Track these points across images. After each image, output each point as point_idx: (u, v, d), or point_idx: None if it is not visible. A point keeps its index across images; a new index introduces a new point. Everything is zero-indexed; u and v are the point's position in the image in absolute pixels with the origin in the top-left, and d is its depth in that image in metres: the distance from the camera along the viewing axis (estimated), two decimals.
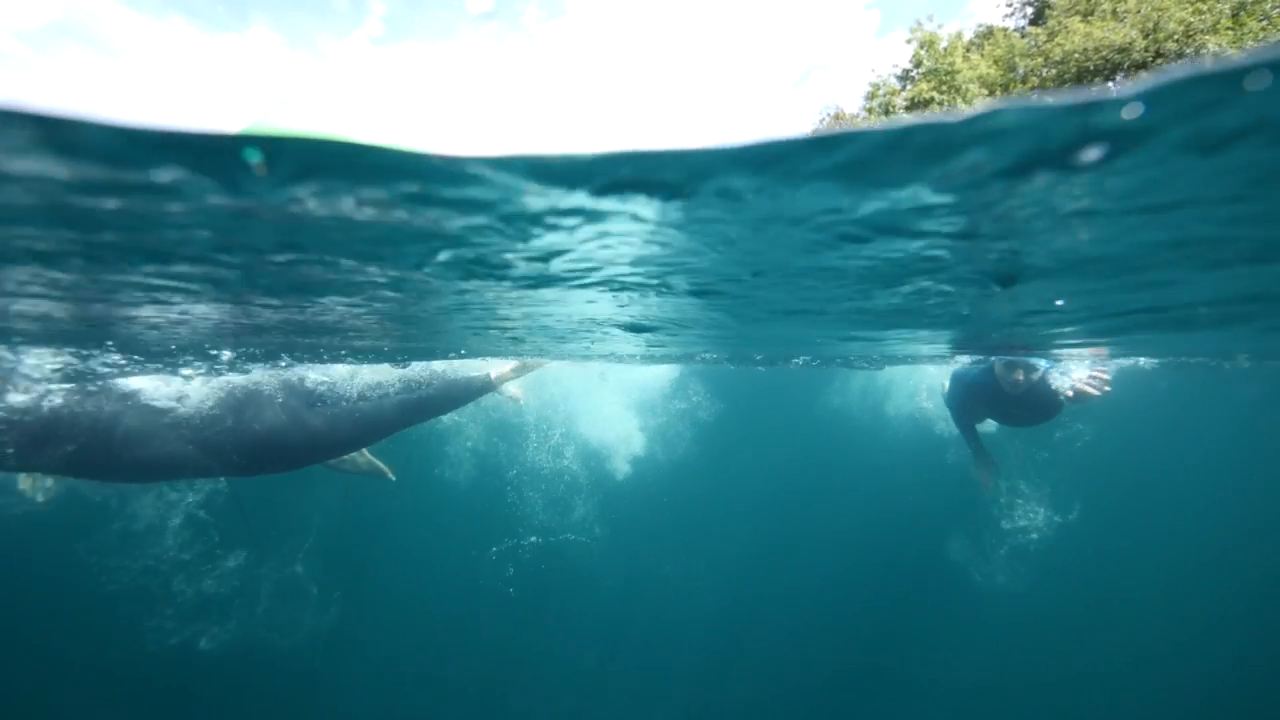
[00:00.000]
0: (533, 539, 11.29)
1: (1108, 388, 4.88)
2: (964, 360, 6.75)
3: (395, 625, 11.60)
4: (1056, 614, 13.55)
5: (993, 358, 5.30)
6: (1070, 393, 4.93)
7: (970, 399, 5.68)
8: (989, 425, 6.88)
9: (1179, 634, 12.95)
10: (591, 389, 11.22)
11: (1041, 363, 5.07)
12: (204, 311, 2.56)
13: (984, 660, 12.80)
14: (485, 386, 5.70)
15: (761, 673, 12.68)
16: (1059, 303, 3.38)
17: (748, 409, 14.31)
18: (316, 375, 4.77)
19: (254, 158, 1.00)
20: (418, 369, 5.43)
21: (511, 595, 11.34)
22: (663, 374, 11.11)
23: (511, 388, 6.31)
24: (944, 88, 13.10)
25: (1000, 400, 5.39)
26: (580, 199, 1.19)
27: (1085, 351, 5.75)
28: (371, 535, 11.48)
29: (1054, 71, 12.35)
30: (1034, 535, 12.09)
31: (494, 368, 5.82)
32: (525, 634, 12.18)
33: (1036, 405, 5.24)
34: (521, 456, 11.26)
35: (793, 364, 7.20)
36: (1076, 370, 5.08)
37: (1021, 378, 5.04)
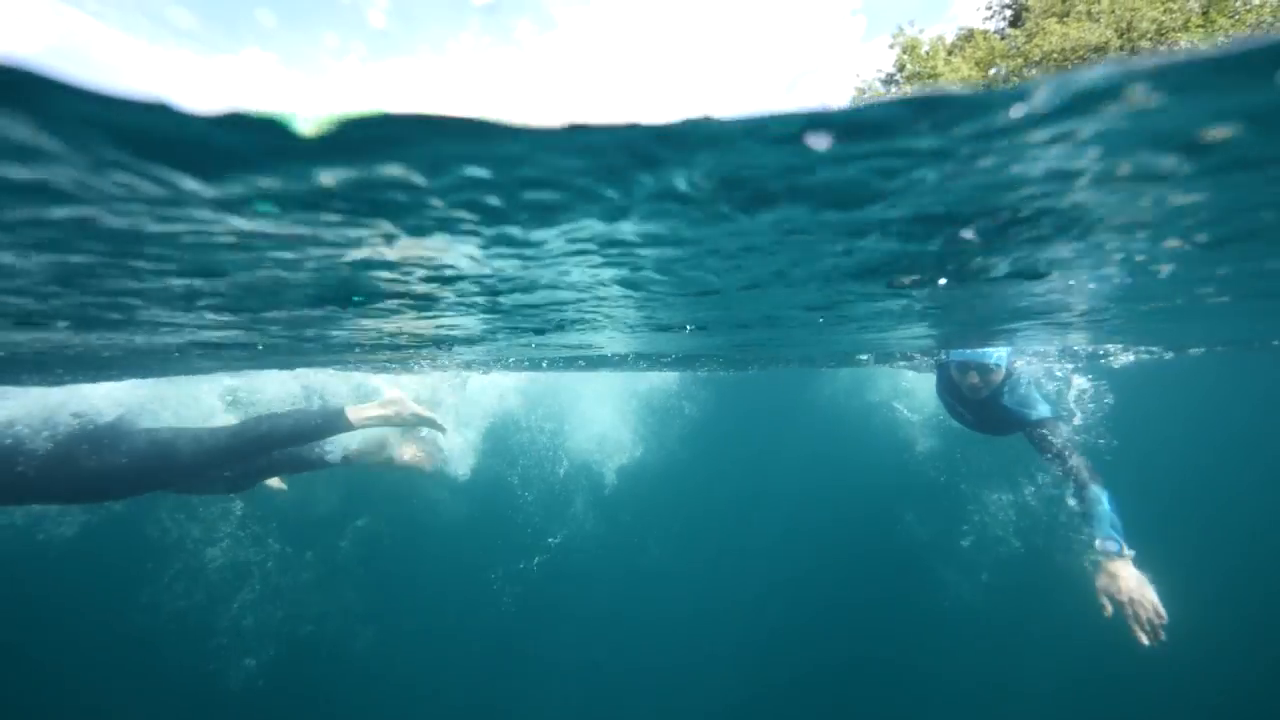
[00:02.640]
0: (551, 540, 11.37)
1: (1156, 624, 3.22)
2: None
3: (402, 624, 11.70)
4: (1057, 608, 13.60)
5: (951, 353, 5.00)
6: (1107, 601, 3.36)
7: (942, 383, 5.50)
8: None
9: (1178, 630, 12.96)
10: (586, 388, 11.36)
11: (1003, 362, 4.58)
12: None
13: (984, 656, 12.83)
14: (336, 425, 4.40)
15: (766, 668, 12.71)
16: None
17: (747, 404, 14.44)
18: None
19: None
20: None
21: (518, 594, 11.45)
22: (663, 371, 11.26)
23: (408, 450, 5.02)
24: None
25: (960, 398, 5.04)
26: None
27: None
28: (383, 535, 11.60)
29: (1034, 72, 12.64)
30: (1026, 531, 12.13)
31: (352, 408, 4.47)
32: (530, 631, 12.27)
33: (999, 421, 4.73)
34: (521, 458, 11.39)
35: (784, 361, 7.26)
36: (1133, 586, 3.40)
37: (977, 381, 4.62)
